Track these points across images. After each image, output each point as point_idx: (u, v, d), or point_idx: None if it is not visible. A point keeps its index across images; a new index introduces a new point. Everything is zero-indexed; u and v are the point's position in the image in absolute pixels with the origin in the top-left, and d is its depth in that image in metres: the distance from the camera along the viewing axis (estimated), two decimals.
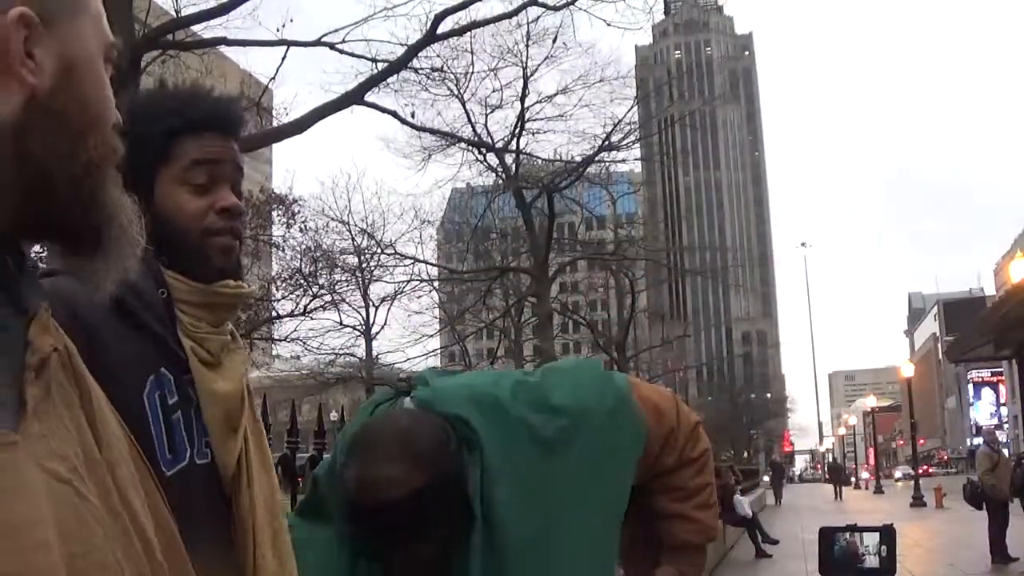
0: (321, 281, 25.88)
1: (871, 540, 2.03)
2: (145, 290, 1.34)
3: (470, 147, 22.32)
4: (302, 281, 25.14)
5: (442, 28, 13.84)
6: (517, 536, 1.57)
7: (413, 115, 17.85)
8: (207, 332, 1.39)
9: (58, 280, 1.14)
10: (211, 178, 1.41)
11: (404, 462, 1.49)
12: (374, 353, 30.44)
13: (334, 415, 16.14)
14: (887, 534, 2.02)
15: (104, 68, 0.81)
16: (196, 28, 13.59)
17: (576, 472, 1.65)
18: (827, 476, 54.33)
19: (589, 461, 1.67)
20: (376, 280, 28.41)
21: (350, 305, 29.17)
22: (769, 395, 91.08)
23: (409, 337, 30.61)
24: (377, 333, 30.45)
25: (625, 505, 1.73)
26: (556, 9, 16.21)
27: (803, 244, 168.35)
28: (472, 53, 19.50)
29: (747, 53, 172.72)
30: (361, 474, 1.50)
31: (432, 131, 20.25)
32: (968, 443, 67.53)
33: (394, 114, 15.55)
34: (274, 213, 25.49)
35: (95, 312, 1.26)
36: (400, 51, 13.76)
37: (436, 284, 28.71)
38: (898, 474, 62.44)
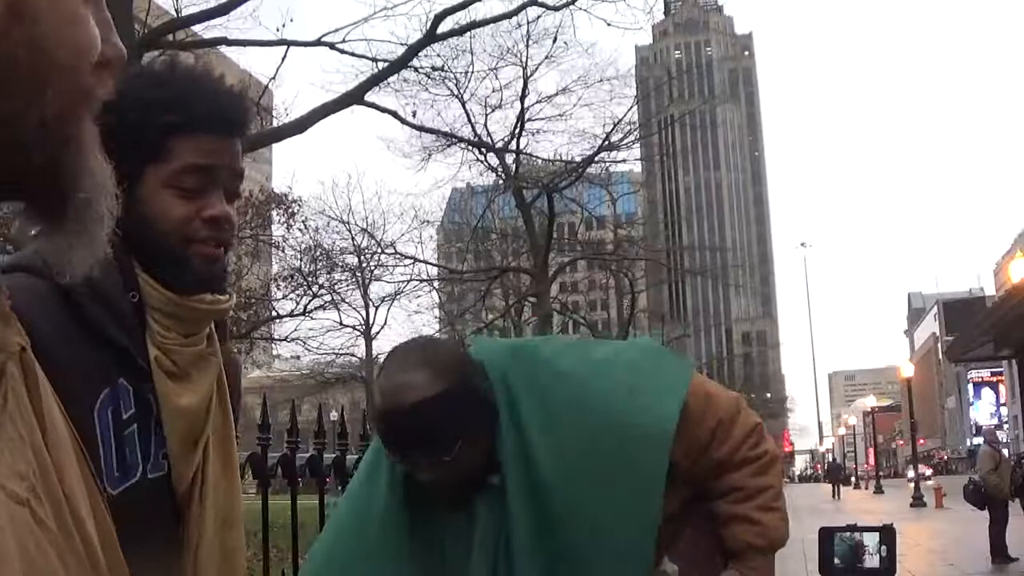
0: (321, 281, 25.91)
1: (871, 540, 2.02)
2: (109, 291, 1.26)
3: (470, 147, 22.33)
4: (302, 281, 25.15)
5: (442, 28, 13.87)
6: (549, 467, 1.62)
7: (414, 115, 17.89)
8: (176, 343, 1.31)
9: None
10: (203, 183, 1.31)
11: (423, 371, 1.58)
12: (374, 353, 30.46)
13: (334, 415, 16.13)
14: (887, 534, 2.02)
15: (81, 3, 0.65)
16: (196, 28, 13.61)
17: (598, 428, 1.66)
18: (826, 476, 54.34)
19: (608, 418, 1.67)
20: (376, 280, 28.48)
21: (350, 305, 29.24)
22: (769, 395, 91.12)
23: (409, 337, 30.65)
24: (377, 333, 30.51)
25: (658, 483, 1.65)
26: (556, 9, 16.22)
27: (803, 244, 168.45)
28: (472, 53, 19.53)
29: (747, 53, 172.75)
30: (384, 382, 1.60)
31: (432, 131, 20.27)
32: (968, 443, 67.54)
33: (394, 114, 15.57)
34: (273, 213, 25.51)
35: (42, 314, 1.15)
36: (400, 51, 13.79)
37: (436, 284, 28.73)
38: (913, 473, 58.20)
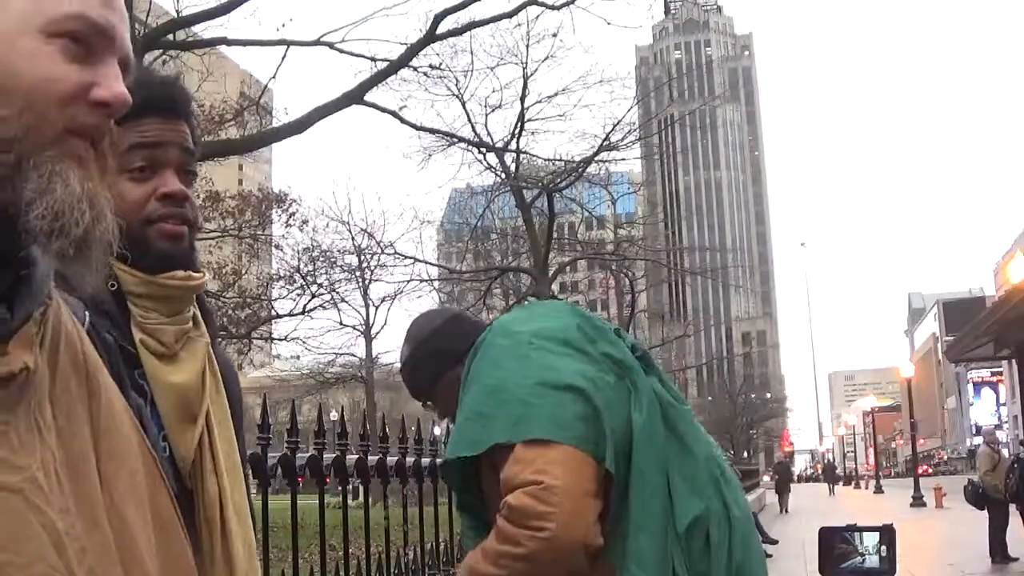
0: (321, 280, 25.90)
1: (871, 540, 2.03)
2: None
3: (470, 147, 22.32)
4: (301, 280, 25.12)
5: (441, 28, 13.87)
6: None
7: (403, 111, 17.86)
8: (159, 323, 1.35)
9: None
10: (151, 162, 1.36)
11: (404, 344, 2.08)
12: (374, 353, 30.47)
13: (334, 415, 16.11)
14: (887, 534, 2.02)
15: (43, 43, 0.73)
16: (196, 28, 13.63)
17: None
18: (823, 475, 54.93)
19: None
20: (376, 280, 28.46)
21: (350, 305, 29.22)
22: (769, 395, 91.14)
23: None
24: (377, 333, 30.51)
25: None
26: (556, 8, 16.22)
27: (802, 244, 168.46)
28: (472, 53, 19.54)
29: (747, 53, 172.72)
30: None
31: (432, 131, 20.24)
32: (968, 443, 67.53)
33: (394, 114, 15.55)
34: (273, 212, 25.49)
35: None
36: (400, 51, 13.78)
37: (436, 284, 28.71)
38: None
